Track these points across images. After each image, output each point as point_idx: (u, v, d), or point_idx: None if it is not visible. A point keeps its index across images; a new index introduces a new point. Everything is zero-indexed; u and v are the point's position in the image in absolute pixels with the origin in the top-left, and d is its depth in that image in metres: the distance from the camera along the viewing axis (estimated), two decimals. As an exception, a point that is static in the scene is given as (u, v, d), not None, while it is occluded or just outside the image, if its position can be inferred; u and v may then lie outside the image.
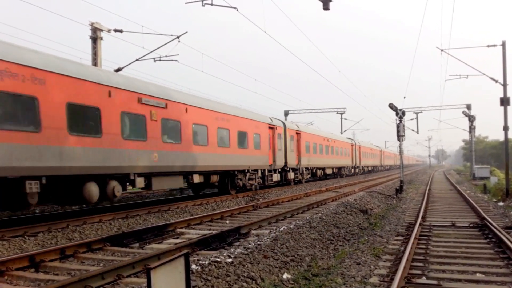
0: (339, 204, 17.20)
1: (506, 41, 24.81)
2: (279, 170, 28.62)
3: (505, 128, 25.04)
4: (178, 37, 21.76)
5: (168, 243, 10.48)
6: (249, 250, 8.75)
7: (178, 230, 12.08)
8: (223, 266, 7.70)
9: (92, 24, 21.31)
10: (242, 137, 22.63)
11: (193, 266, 7.30)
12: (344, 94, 77.02)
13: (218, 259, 7.90)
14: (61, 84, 11.87)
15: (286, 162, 29.22)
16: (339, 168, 47.12)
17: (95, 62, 21.51)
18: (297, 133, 32.76)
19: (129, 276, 7.63)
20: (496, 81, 25.29)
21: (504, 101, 24.59)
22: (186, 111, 17.70)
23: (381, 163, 79.30)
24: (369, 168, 66.90)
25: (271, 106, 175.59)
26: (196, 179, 18.70)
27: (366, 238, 12.06)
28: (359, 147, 57.57)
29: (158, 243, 10.62)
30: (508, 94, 24.53)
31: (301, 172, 33.15)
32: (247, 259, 8.34)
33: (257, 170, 24.51)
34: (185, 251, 6.01)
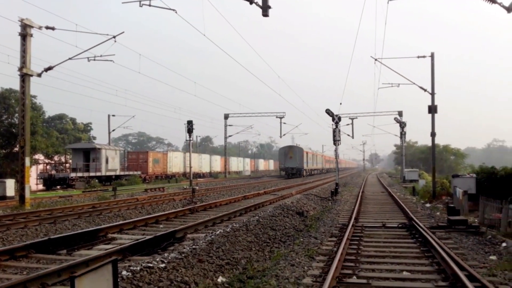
0: (277, 207, 17.35)
1: (434, 52, 26.30)
2: None
3: (433, 134, 26.54)
4: (114, 37, 21.12)
5: (98, 249, 10.04)
6: (183, 255, 8.57)
7: (110, 235, 11.62)
8: (156, 272, 7.47)
9: (21, 21, 20.13)
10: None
11: (124, 273, 7.02)
12: (284, 99, 78.19)
13: (151, 265, 7.65)
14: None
15: None
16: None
17: (23, 60, 20.32)
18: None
19: (54, 284, 7.21)
20: (425, 90, 26.70)
21: (431, 109, 26.04)
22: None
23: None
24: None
25: (211, 109, 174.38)
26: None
27: (301, 239, 12.23)
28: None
29: (88, 249, 10.15)
30: (436, 103, 26.00)
31: None
32: (181, 263, 8.16)
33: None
34: (113, 257, 5.77)
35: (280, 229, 13.70)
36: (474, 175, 22.08)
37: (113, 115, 50.18)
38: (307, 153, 62.84)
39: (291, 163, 56.68)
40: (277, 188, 32.52)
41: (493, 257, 9.87)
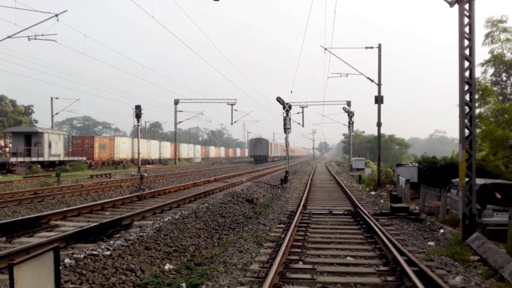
0: (226, 194, 17.38)
1: (382, 44, 27.04)
2: None
3: (379, 124, 27.42)
4: (56, 15, 20.18)
5: (40, 237, 9.67)
6: (129, 242, 8.41)
7: (53, 222, 11.20)
8: (100, 259, 7.30)
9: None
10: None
11: (67, 260, 6.81)
12: (235, 86, 78.23)
13: (95, 252, 7.47)
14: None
15: None
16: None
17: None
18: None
19: (-8, 273, 6.88)
20: (372, 81, 27.44)
21: (378, 99, 26.84)
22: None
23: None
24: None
25: (161, 94, 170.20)
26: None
27: (250, 226, 12.34)
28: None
29: (29, 236, 9.75)
30: (382, 93, 26.80)
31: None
32: (127, 251, 8.01)
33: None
34: (55, 244, 5.56)
35: (230, 216, 13.74)
36: (416, 164, 23.01)
37: (57, 98, 48.00)
38: (271, 144, 76.80)
39: (259, 151, 71.66)
40: (227, 175, 32.53)
41: (431, 243, 10.39)
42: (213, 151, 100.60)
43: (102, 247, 7.93)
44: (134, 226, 10.93)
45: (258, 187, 22.94)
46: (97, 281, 6.66)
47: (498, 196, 12.27)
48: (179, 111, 62.01)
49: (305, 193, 20.00)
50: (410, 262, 7.33)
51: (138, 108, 33.98)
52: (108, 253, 7.63)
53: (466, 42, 10.29)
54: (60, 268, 5.42)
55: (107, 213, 13.38)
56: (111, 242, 8.53)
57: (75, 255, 7.12)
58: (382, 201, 18.81)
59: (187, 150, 77.83)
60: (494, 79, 30.61)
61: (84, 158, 44.04)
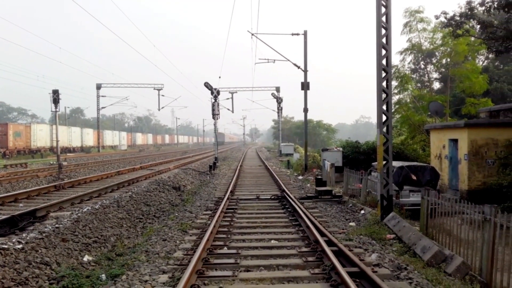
0: (152, 182, 16.96)
1: (307, 31, 27.54)
2: None
3: (305, 110, 28.03)
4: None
5: None
6: (44, 234, 7.93)
7: (-43, 216, 10.26)
8: (11, 253, 6.84)
9: None
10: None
11: (-29, 257, 6.27)
12: (161, 70, 76.02)
13: (5, 246, 6.99)
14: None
15: None
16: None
17: None
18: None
19: None
20: (298, 67, 27.87)
21: (304, 86, 27.38)
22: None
23: None
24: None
25: (82, 78, 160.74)
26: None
27: (176, 214, 12.14)
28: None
29: None
30: (310, 80, 27.37)
31: None
32: (41, 244, 7.56)
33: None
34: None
35: (155, 205, 13.44)
36: (341, 149, 23.82)
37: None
38: (226, 135, 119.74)
39: (219, 138, 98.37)
40: (154, 163, 31.74)
41: (352, 224, 10.84)
42: (140, 138, 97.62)
43: (14, 240, 7.45)
44: (50, 218, 10.30)
45: (186, 174, 22.65)
46: (7, 276, 6.23)
47: (414, 177, 13.04)
48: (102, 96, 59.20)
49: (233, 179, 20.02)
50: (330, 243, 7.56)
51: (55, 93, 31.85)
52: (19, 246, 7.16)
53: (383, 31, 10.70)
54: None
55: (21, 204, 12.51)
56: (24, 235, 8.01)
57: (-19, 251, 6.59)
58: (308, 185, 19.29)
59: (112, 137, 74.81)
60: (413, 66, 32.34)
61: (-3, 147, 40.90)
